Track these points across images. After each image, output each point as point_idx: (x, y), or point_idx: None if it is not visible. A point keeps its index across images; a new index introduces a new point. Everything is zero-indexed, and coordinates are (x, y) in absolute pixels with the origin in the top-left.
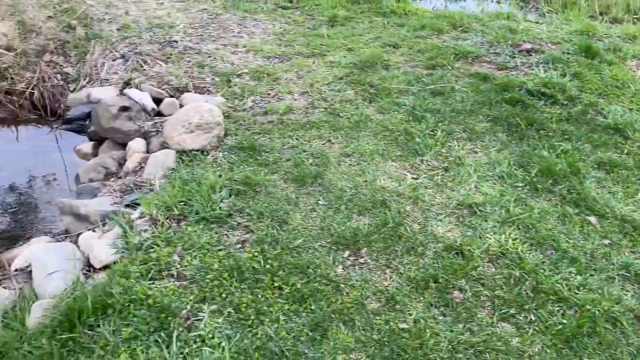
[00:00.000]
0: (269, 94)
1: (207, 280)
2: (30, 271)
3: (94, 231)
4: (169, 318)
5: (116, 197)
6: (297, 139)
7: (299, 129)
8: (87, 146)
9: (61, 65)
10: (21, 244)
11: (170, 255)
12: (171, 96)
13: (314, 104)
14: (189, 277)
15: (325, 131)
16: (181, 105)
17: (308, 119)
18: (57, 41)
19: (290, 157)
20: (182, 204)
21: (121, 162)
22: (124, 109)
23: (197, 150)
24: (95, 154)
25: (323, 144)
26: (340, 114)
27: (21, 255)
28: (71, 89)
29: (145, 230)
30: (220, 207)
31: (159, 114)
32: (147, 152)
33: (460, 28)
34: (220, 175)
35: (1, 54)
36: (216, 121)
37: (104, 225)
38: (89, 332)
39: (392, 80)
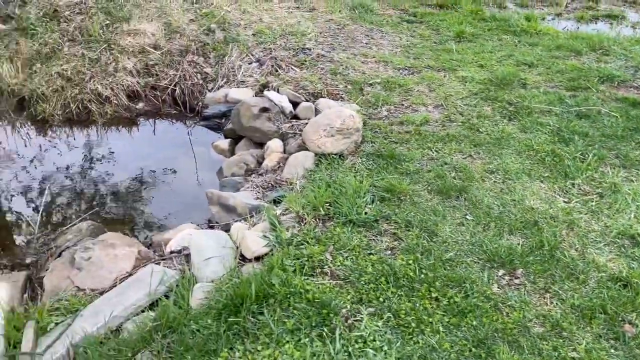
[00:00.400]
0: (403, 105)
1: (362, 282)
2: (187, 254)
3: (241, 222)
4: (330, 315)
5: (258, 192)
6: (436, 151)
7: (438, 141)
8: (224, 143)
9: (201, 65)
10: (161, 230)
11: (321, 253)
12: (307, 100)
13: (450, 118)
14: (343, 277)
15: (466, 145)
16: (316, 110)
17: (446, 132)
18: (198, 42)
19: (431, 169)
20: (327, 205)
21: (259, 160)
22: (264, 109)
23: (335, 154)
24: (232, 150)
25: (464, 158)
26: (480, 130)
27: (175, 238)
28: (209, 88)
29: (293, 227)
30: (365, 212)
31: (295, 117)
32: (284, 152)
33: (600, 51)
34: (361, 181)
35: (149, 52)
36: (356, 127)
37: (250, 217)
38: (252, 318)
39: (531, 99)
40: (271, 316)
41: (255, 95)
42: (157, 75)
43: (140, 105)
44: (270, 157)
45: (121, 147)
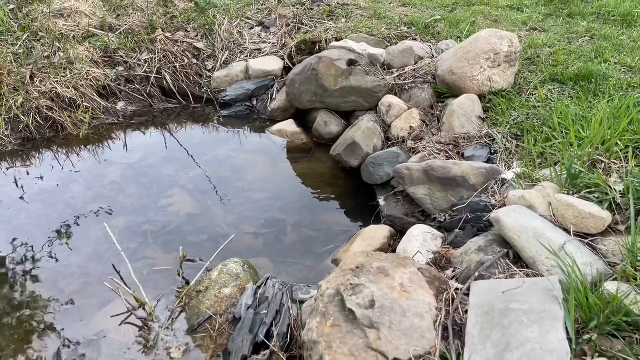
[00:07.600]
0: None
1: None
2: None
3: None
4: None
5: (446, 156)
6: (615, 63)
7: (602, 54)
8: (289, 125)
9: (184, 42)
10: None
11: None
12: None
13: (566, 37)
14: None
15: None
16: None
17: (595, 46)
18: (163, 15)
19: None
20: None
21: (383, 127)
22: (352, 62)
23: (503, 91)
24: (307, 131)
25: None
26: (620, 38)
27: (410, 246)
28: (208, 67)
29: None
30: None
31: (386, 66)
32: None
33: None
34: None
35: (98, 35)
36: (520, 50)
37: (484, 189)
38: None
39: (615, 7)
40: None
41: (290, 61)
42: (125, 63)
43: (121, 105)
44: (405, 116)
45: (158, 165)
